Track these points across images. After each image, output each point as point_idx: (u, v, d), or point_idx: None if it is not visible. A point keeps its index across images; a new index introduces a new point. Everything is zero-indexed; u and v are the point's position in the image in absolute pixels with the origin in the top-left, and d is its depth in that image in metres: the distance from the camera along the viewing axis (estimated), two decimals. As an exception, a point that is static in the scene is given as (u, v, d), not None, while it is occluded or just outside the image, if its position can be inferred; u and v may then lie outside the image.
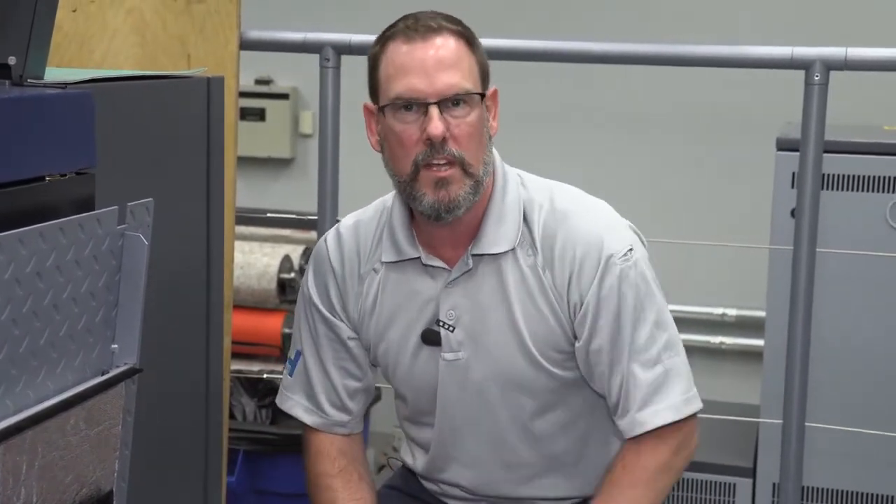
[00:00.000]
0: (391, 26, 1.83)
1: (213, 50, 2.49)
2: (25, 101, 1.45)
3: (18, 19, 1.53)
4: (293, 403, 2.02)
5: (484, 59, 1.85)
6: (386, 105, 1.80)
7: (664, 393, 1.85)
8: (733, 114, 3.99)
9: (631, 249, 1.85)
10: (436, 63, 1.77)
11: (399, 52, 1.79)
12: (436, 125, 1.76)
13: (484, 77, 1.84)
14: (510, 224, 1.86)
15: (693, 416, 1.88)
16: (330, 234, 1.99)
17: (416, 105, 1.77)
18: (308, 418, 2.01)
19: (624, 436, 1.88)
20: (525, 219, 1.87)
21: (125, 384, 1.51)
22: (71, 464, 1.40)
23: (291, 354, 2.03)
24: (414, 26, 1.80)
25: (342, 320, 1.97)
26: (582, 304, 1.84)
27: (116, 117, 1.69)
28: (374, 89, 1.84)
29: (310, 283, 1.98)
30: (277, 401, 2.05)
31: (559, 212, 1.87)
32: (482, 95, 1.81)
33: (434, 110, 1.76)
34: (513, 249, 1.85)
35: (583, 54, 2.75)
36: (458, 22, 1.83)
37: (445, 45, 1.79)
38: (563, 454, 1.94)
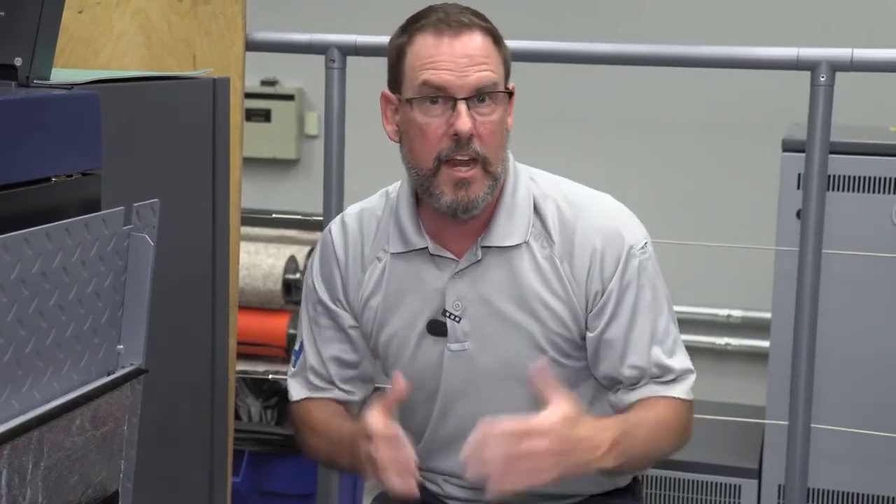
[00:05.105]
0: (419, 18, 1.82)
1: (219, 51, 2.49)
2: (31, 102, 1.45)
3: (24, 20, 1.53)
4: (296, 392, 2.03)
5: (508, 57, 1.85)
6: (411, 97, 1.79)
7: (683, 382, 1.89)
8: (739, 115, 3.98)
9: (647, 243, 1.89)
10: (467, 58, 1.77)
11: (428, 44, 1.78)
12: (464, 121, 1.75)
13: (507, 75, 1.84)
14: (521, 218, 1.87)
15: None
16: (335, 223, 2.00)
17: (442, 99, 1.77)
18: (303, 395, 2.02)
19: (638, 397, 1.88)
20: (537, 211, 1.88)
21: (131, 385, 1.51)
22: (76, 464, 1.41)
23: (296, 345, 2.04)
24: (445, 20, 1.79)
25: (344, 309, 1.97)
26: (603, 294, 1.86)
27: (122, 118, 1.69)
28: (396, 80, 1.83)
29: (314, 273, 1.99)
30: (289, 396, 2.06)
31: (574, 204, 1.89)
32: (509, 93, 1.82)
33: (462, 106, 1.76)
34: (526, 242, 1.86)
35: (587, 55, 2.75)
36: (485, 18, 1.83)
37: (476, 41, 1.79)
38: None
